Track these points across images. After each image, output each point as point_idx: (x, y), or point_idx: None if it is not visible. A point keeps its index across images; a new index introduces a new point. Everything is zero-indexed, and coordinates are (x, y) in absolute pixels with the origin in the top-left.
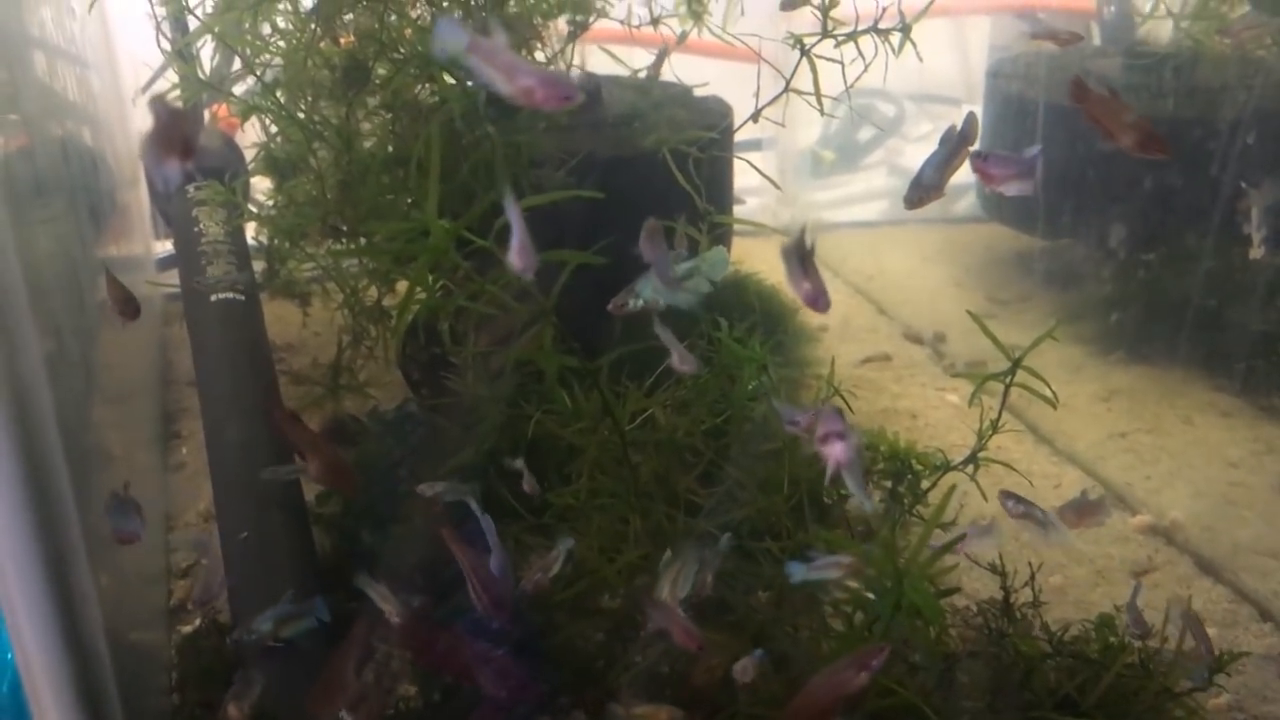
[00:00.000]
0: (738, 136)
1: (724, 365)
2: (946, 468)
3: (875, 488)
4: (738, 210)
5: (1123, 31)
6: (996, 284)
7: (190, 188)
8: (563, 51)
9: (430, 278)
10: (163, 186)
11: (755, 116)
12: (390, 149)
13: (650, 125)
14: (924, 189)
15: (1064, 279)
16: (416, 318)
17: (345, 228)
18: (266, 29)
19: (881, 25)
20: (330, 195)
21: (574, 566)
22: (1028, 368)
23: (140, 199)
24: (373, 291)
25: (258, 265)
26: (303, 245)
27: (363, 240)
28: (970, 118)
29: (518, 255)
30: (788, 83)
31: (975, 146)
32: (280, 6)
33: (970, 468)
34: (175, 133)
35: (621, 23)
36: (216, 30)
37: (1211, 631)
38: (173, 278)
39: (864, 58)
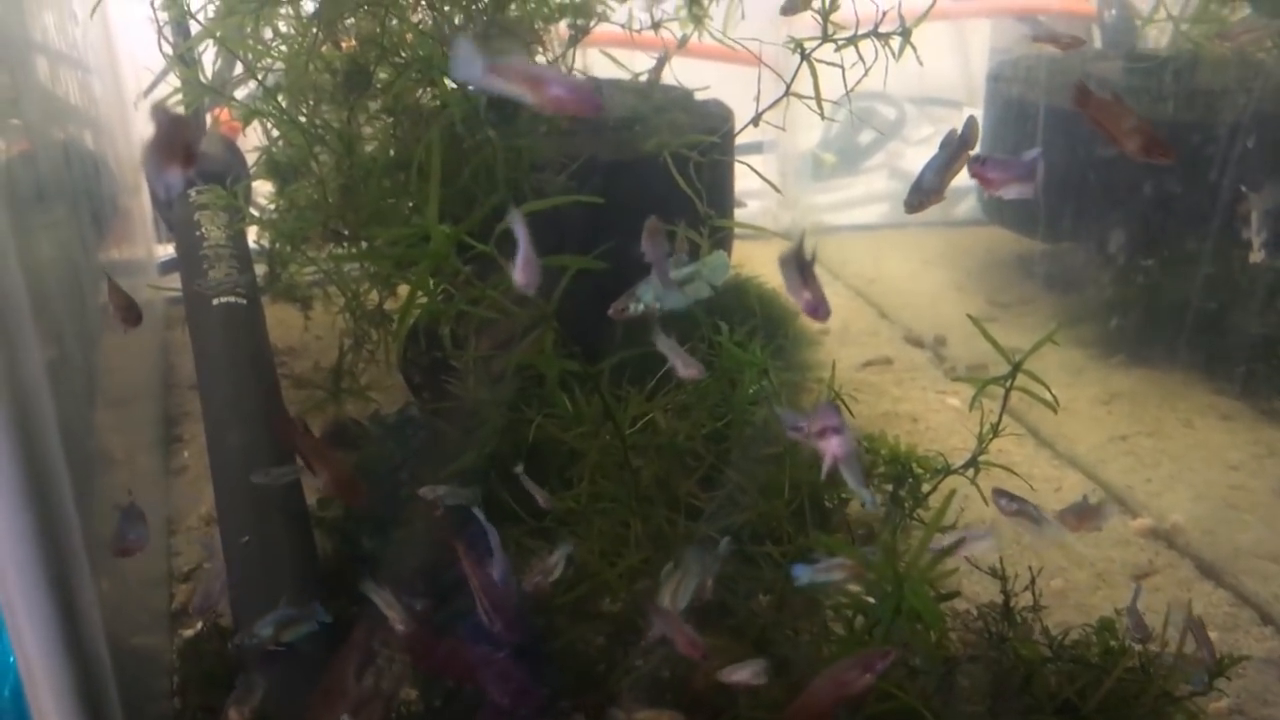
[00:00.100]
0: (739, 140)
1: (725, 369)
2: (947, 471)
3: (876, 491)
4: (738, 213)
5: (1123, 35)
6: (997, 287)
7: (192, 192)
8: (564, 56)
9: (431, 282)
10: (164, 194)
11: (756, 120)
12: (391, 153)
13: (651, 129)
14: (924, 192)
15: (1065, 282)
16: (418, 322)
17: (347, 232)
18: (268, 33)
19: (882, 29)
20: (332, 199)
21: (575, 570)
22: (1028, 371)
23: (142, 203)
24: (374, 295)
25: (259, 269)
26: (304, 249)
27: (364, 244)
28: (971, 121)
29: (522, 271)
30: (788, 86)
31: (976, 150)
32: (282, 11)
33: (971, 471)
34: (176, 141)
35: (622, 27)
36: (218, 35)
37: (1212, 635)
38: (174, 282)
39: (864, 61)
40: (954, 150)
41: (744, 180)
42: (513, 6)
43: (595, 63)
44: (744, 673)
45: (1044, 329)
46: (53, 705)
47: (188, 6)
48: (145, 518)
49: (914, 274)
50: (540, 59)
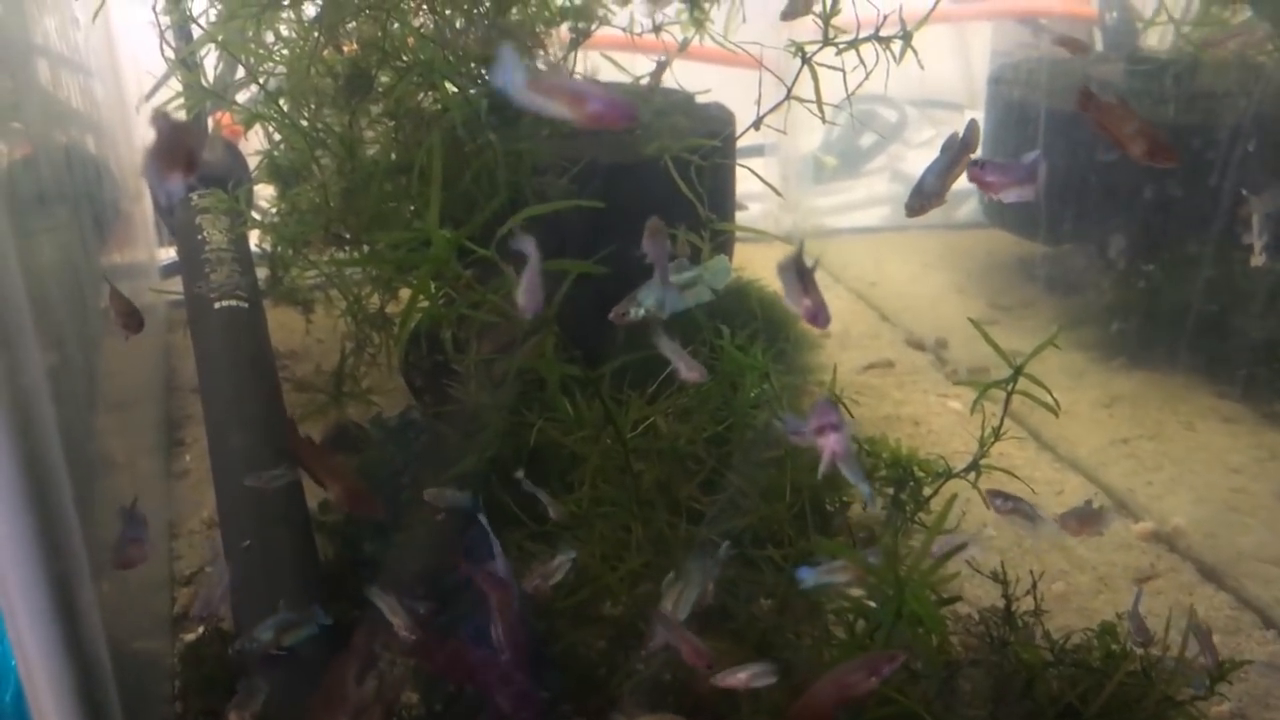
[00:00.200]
0: (740, 143)
1: (726, 373)
2: (948, 475)
3: (878, 494)
4: (740, 217)
5: (1125, 37)
6: (998, 290)
7: (193, 196)
8: (565, 59)
9: (433, 286)
10: (165, 199)
11: (757, 123)
12: (393, 157)
13: (652, 132)
14: (926, 195)
15: (1066, 285)
16: (419, 325)
17: (348, 235)
18: (270, 37)
19: (883, 32)
20: (333, 203)
21: (576, 574)
22: (1030, 374)
23: (144, 207)
24: (375, 299)
25: (261, 273)
26: (306, 253)
27: (366, 248)
28: (972, 124)
29: (525, 295)
30: (789, 89)
31: (977, 153)
32: (283, 15)
33: (973, 475)
34: (177, 146)
35: (623, 30)
36: (220, 38)
37: (1214, 638)
38: (176, 285)
39: (865, 64)
40: (955, 153)
41: (745, 183)
42: (514, 10)
43: (596, 66)
44: (746, 675)
45: (1045, 332)
46: (54, 709)
47: (189, 10)
48: (148, 526)
49: (915, 277)
50: (540, 63)
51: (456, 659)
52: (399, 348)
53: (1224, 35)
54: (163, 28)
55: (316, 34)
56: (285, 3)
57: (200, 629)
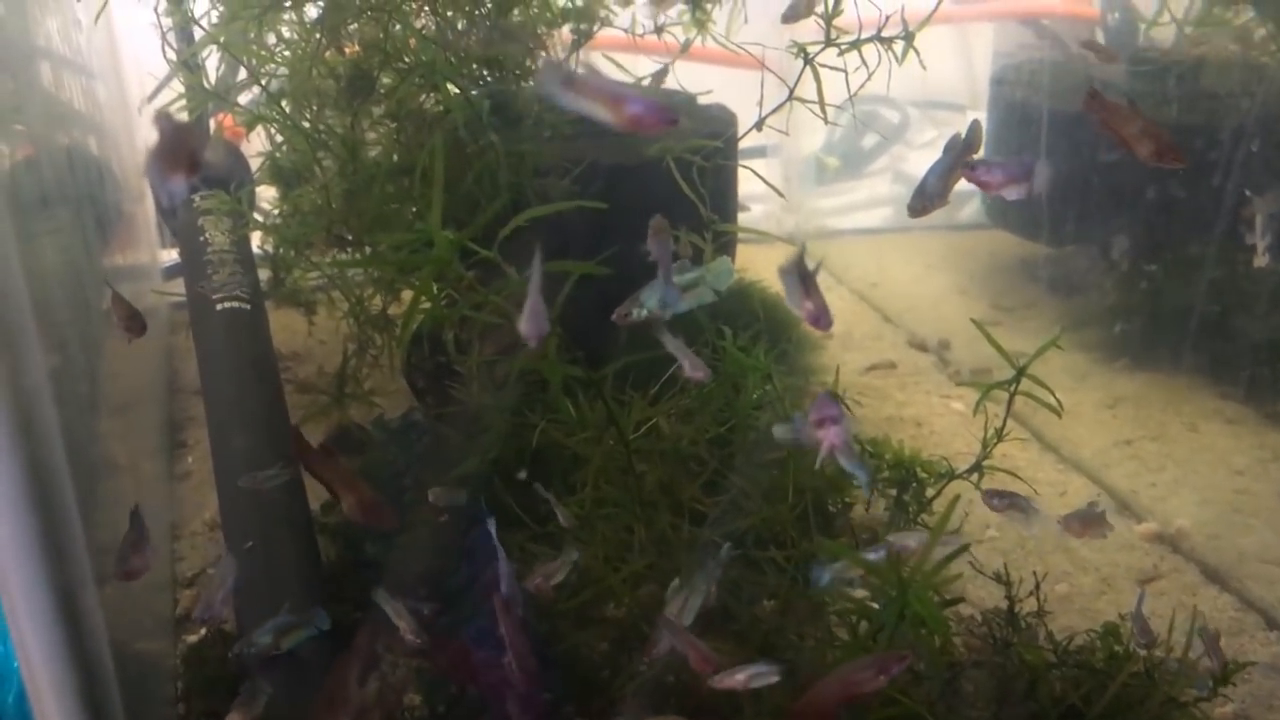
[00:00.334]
0: (742, 144)
1: (728, 374)
2: (951, 476)
3: (880, 496)
4: (742, 218)
5: (1127, 38)
6: (1001, 291)
7: (196, 197)
8: (567, 60)
9: (435, 287)
10: (167, 202)
11: (759, 124)
12: (395, 158)
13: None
14: (928, 196)
15: (1069, 287)
16: (421, 326)
17: (350, 237)
18: (271, 39)
19: (885, 33)
20: (335, 204)
21: (579, 575)
22: (1032, 375)
23: (146, 208)
24: (378, 300)
25: (263, 274)
26: (308, 254)
27: (368, 249)
28: (974, 125)
29: (528, 321)
30: (791, 90)
31: (979, 154)
32: (285, 16)
33: (975, 476)
34: (180, 147)
35: (625, 31)
36: (222, 40)
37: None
38: (178, 287)
39: (868, 65)
40: (957, 154)
41: (747, 184)
42: (515, 11)
43: (598, 67)
44: (745, 675)
45: (1048, 333)
46: (56, 710)
47: (191, 12)
48: (150, 537)
49: (918, 278)
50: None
51: (465, 661)
52: (401, 349)
53: (1198, 39)
54: (165, 29)
55: (318, 36)
56: (287, 4)
57: (203, 630)
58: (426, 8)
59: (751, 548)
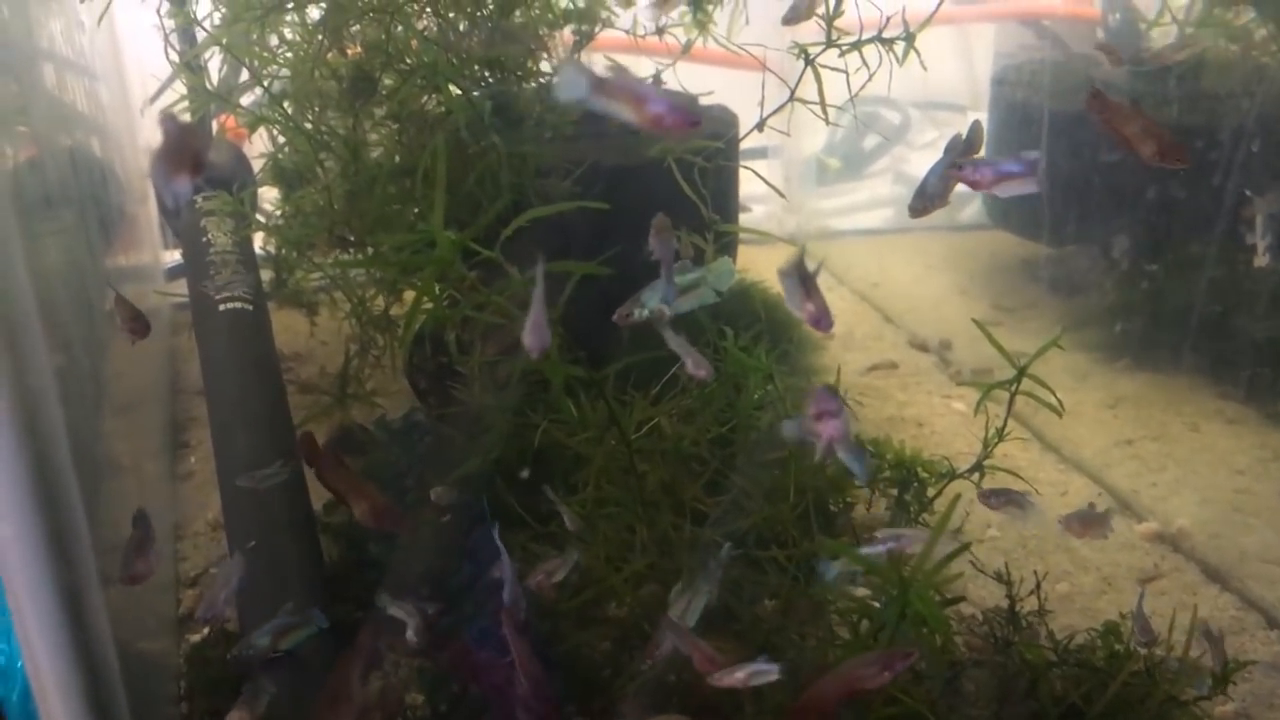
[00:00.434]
0: (743, 145)
1: (730, 374)
2: (952, 475)
3: (881, 495)
4: (743, 218)
5: (1128, 38)
6: (1002, 291)
7: (198, 198)
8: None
9: (437, 287)
10: (172, 202)
11: (760, 125)
12: (397, 159)
13: (655, 134)
14: (929, 197)
15: (1069, 287)
16: (423, 327)
17: (352, 238)
18: (274, 40)
19: (886, 34)
20: (337, 205)
21: (580, 575)
22: (1033, 375)
23: (149, 209)
24: (380, 301)
25: (266, 275)
26: (310, 255)
27: (370, 250)
28: (975, 126)
29: (531, 334)
30: (793, 91)
31: (981, 155)
32: (287, 18)
33: (976, 475)
34: (184, 148)
35: (627, 32)
36: (224, 42)
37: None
38: (181, 287)
39: (868, 66)
40: (958, 155)
41: (748, 185)
42: (517, 13)
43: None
44: (745, 673)
45: (1049, 333)
46: (61, 709)
47: (194, 14)
48: (155, 540)
49: (918, 278)
50: (544, 65)
51: (474, 663)
52: (403, 350)
53: (1167, 51)
54: (167, 31)
55: (320, 37)
56: (289, 6)
57: (206, 629)
58: (428, 9)
59: (753, 547)
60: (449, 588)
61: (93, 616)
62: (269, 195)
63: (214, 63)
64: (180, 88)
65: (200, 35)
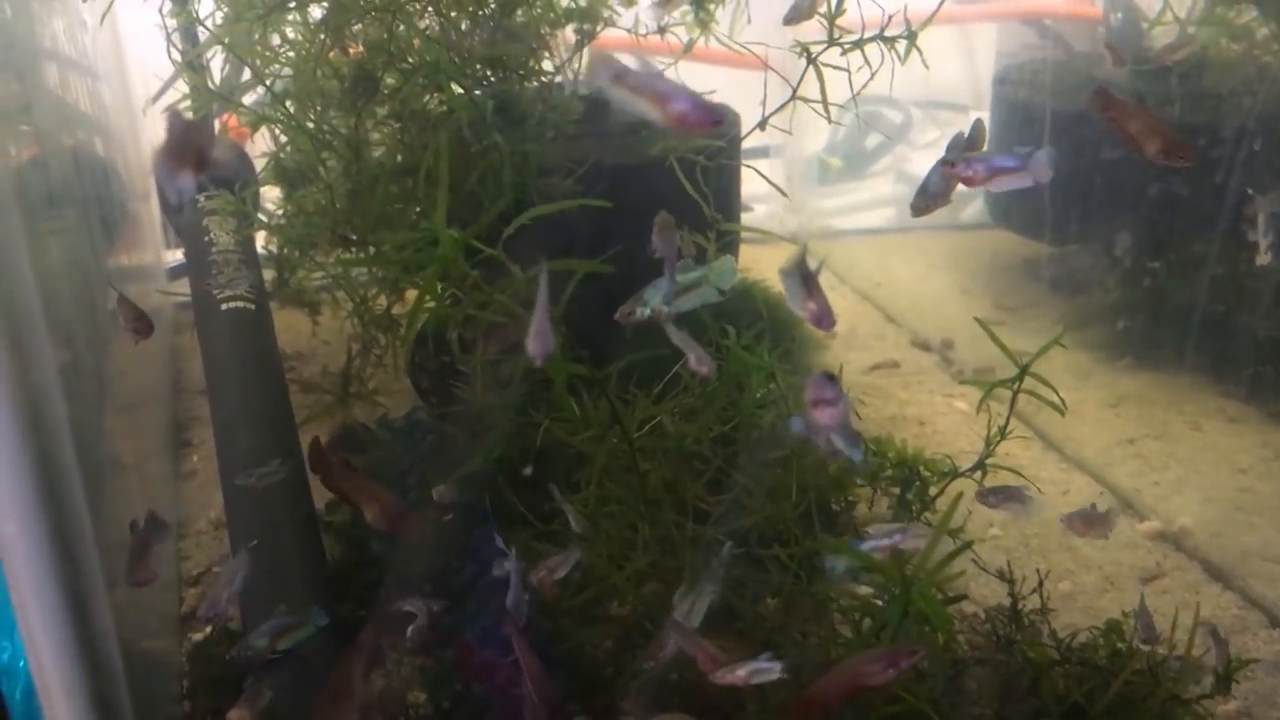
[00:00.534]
0: (745, 144)
1: (732, 373)
2: (954, 474)
3: (884, 494)
4: (745, 218)
5: (1130, 38)
6: (1004, 291)
7: (201, 197)
8: (570, 61)
9: (439, 286)
10: (175, 199)
11: (762, 124)
12: (399, 158)
13: (657, 133)
14: (930, 196)
15: (1071, 286)
16: (425, 326)
17: (354, 237)
18: (276, 40)
19: (888, 33)
20: (339, 204)
21: (583, 573)
22: (1035, 374)
23: (151, 209)
24: (382, 300)
25: (268, 274)
26: (312, 254)
27: (372, 249)
28: (977, 125)
29: (535, 340)
30: (794, 90)
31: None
32: (289, 17)
33: (978, 474)
34: (188, 147)
35: (629, 31)
36: (226, 41)
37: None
38: (183, 287)
39: (870, 65)
40: (960, 154)
41: (750, 184)
42: (519, 12)
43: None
44: (746, 671)
45: (1051, 332)
46: (64, 707)
47: (196, 13)
48: (159, 543)
49: (920, 278)
50: (546, 64)
51: (477, 662)
52: (405, 349)
53: (1164, 51)
54: (170, 30)
55: (322, 36)
56: (291, 5)
57: (208, 628)
58: (430, 8)
59: (755, 546)
60: (451, 586)
61: (96, 614)
62: (271, 194)
63: (216, 62)
64: (182, 87)
65: (202, 34)
